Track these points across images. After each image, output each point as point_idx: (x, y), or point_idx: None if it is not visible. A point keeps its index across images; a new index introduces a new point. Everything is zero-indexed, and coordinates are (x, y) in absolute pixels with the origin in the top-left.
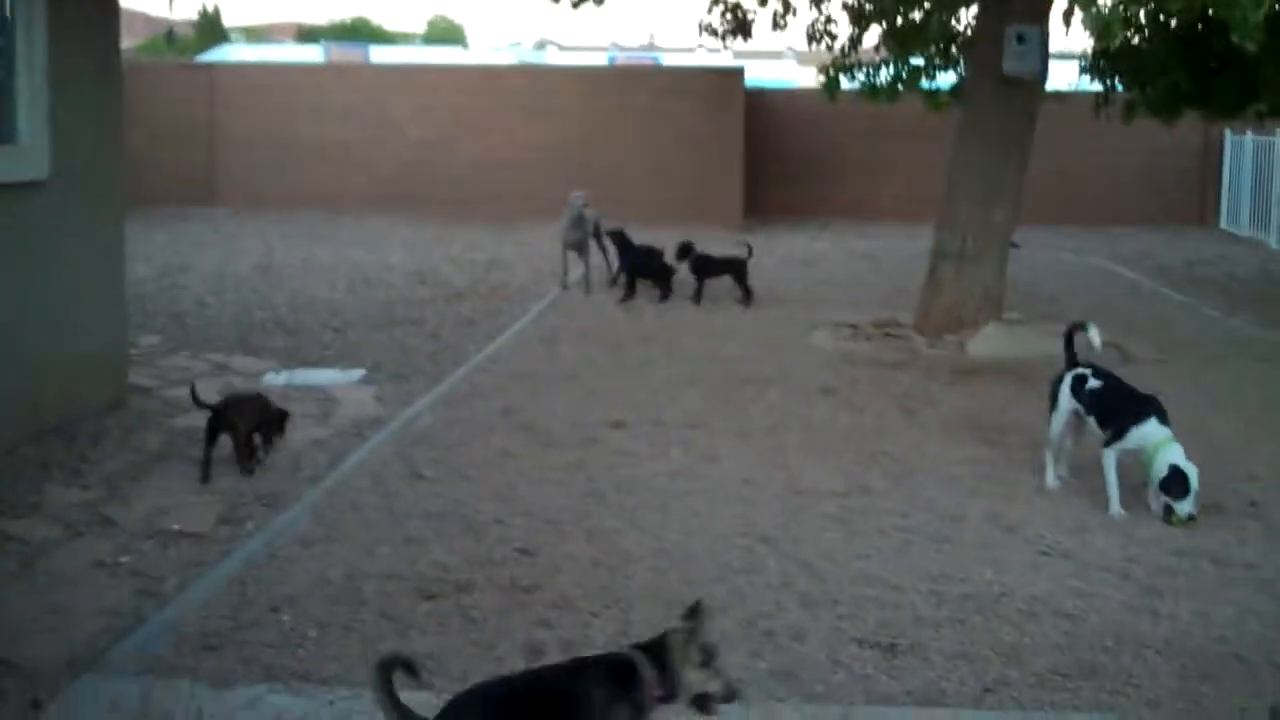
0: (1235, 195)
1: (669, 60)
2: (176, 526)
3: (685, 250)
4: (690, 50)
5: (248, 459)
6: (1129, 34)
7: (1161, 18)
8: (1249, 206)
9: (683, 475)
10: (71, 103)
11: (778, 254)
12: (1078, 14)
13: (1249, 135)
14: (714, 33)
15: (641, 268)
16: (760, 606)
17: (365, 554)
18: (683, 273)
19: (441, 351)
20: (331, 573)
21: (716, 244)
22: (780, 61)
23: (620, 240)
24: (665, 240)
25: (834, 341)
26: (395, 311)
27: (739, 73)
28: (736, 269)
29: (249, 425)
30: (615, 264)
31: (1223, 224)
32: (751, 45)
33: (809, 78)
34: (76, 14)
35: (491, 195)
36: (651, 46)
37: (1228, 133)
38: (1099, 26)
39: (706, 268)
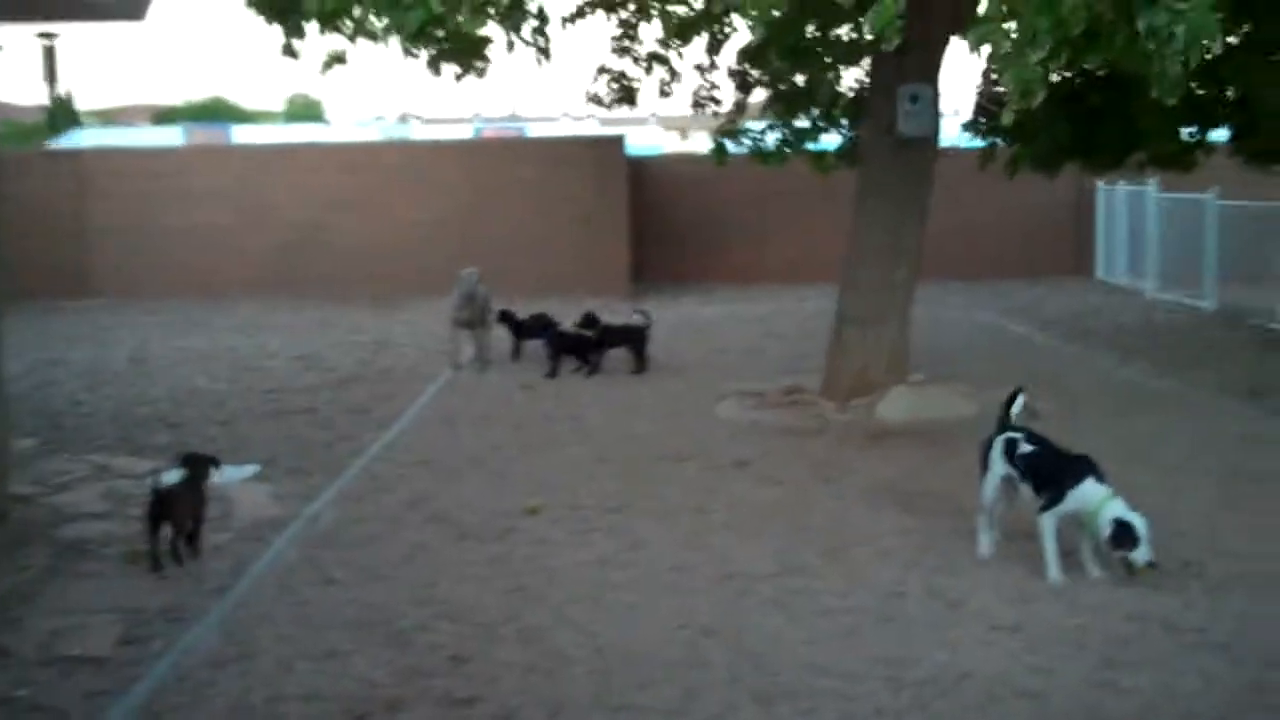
0: (1111, 245)
1: (534, 130)
2: (76, 651)
3: (591, 321)
4: (553, 120)
5: (176, 554)
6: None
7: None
8: (1125, 255)
9: (609, 564)
10: None
11: (669, 321)
12: (996, 73)
13: (1121, 186)
14: (600, 102)
15: (567, 345)
16: (713, 707)
17: (284, 672)
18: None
19: (337, 441)
20: (251, 696)
21: (610, 313)
22: (644, 127)
23: (509, 320)
24: (560, 312)
25: (741, 411)
26: (283, 401)
27: (619, 140)
28: (635, 338)
29: (192, 516)
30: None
31: (1099, 274)
32: (615, 113)
33: (673, 142)
34: None
35: (372, 274)
36: (514, 117)
37: (1100, 184)
38: (1021, 86)
39: (608, 338)
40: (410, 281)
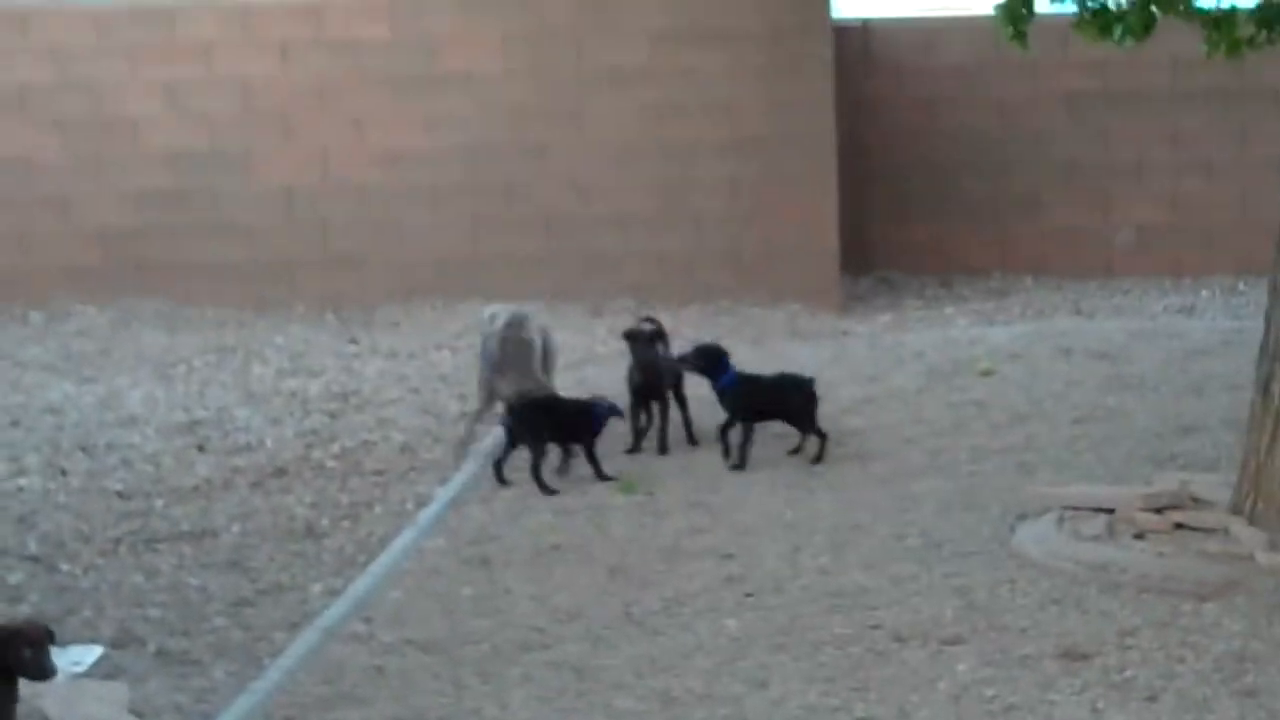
0: None
1: None
2: None
3: (709, 356)
4: None
5: None
6: None
7: None
8: None
9: None
10: None
11: (916, 356)
12: None
13: None
14: None
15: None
16: None
17: None
18: None
19: (258, 596)
20: None
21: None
22: None
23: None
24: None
25: (1067, 543)
26: (153, 513)
27: None
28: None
29: None
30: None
31: None
32: None
33: None
34: None
35: (329, 261)
36: None
37: None
38: None
39: (756, 399)
40: (402, 276)
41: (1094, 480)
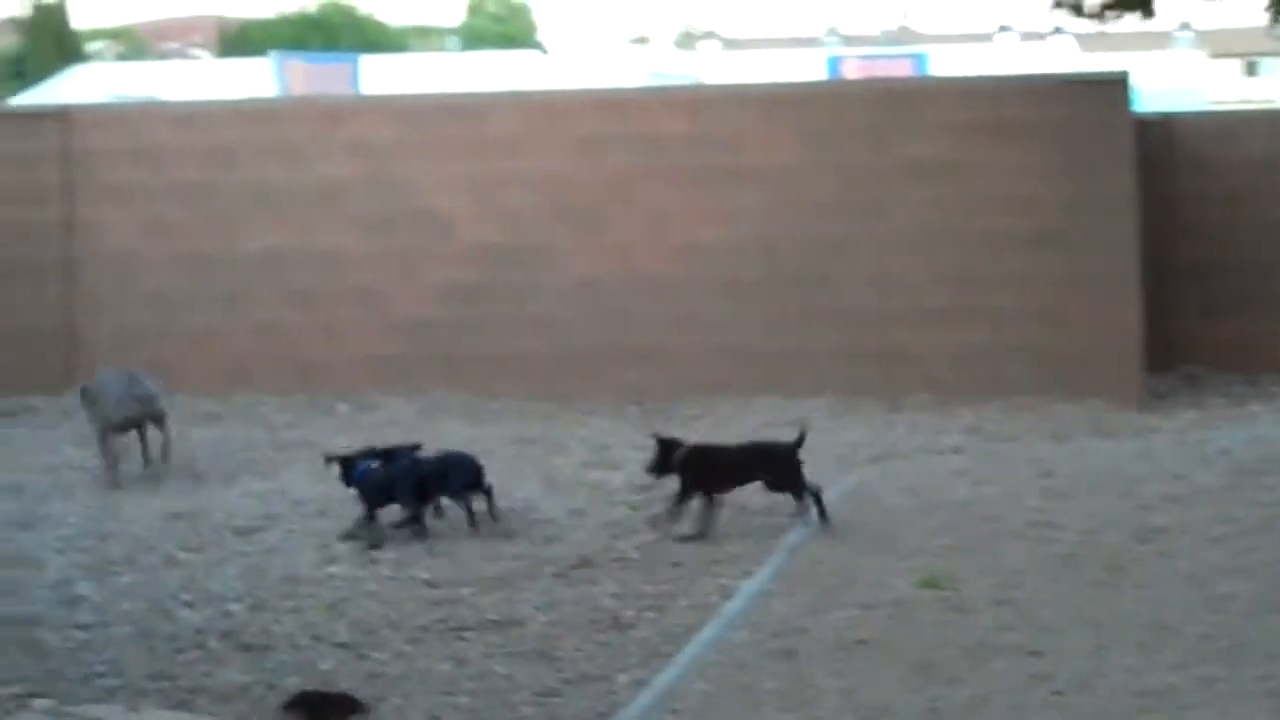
0: None
1: (943, 61)
2: None
3: None
4: (983, 39)
5: None
6: None
7: None
8: None
9: None
10: None
11: (1222, 453)
12: None
13: None
14: (1078, 8)
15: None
16: None
17: None
18: None
19: (565, 688)
20: None
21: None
22: (1169, 53)
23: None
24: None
25: None
26: (460, 602)
27: (1119, 84)
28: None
29: None
30: None
31: None
32: (1109, 25)
33: (1229, 83)
34: None
35: (631, 351)
36: (903, 35)
37: None
38: None
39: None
40: (702, 369)
41: None
